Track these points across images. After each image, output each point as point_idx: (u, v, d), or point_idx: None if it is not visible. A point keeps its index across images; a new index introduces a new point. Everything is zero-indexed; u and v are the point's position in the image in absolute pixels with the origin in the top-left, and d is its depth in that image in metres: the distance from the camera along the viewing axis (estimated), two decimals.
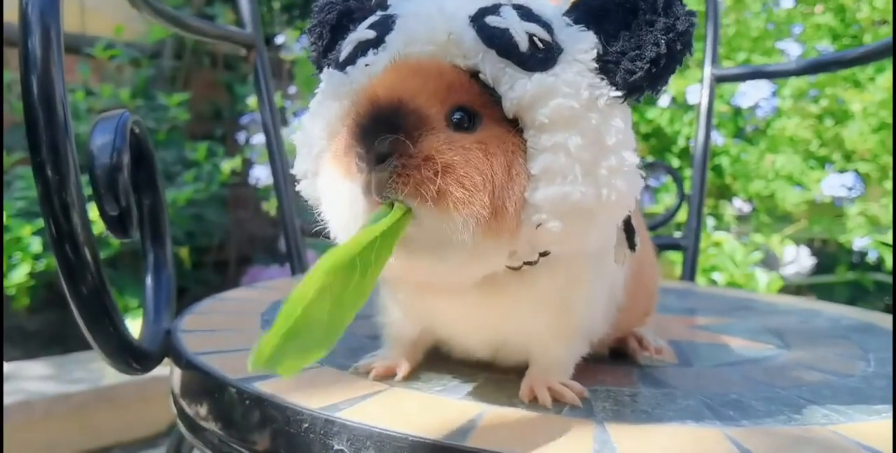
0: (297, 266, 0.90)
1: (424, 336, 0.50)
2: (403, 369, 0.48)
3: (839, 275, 2.25)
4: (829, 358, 0.60)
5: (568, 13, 0.41)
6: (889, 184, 1.95)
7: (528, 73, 0.38)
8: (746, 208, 2.08)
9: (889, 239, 1.92)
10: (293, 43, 2.36)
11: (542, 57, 0.38)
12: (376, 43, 0.42)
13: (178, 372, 0.53)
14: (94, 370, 1.68)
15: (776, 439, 0.40)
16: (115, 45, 2.14)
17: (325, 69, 0.47)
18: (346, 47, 0.43)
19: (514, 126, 0.39)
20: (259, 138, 2.19)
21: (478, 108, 0.39)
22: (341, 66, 0.43)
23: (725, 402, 0.47)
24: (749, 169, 2.01)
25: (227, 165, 2.20)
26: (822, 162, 2.03)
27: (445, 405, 0.44)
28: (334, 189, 0.40)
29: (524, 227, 0.39)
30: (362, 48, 0.42)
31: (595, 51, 0.39)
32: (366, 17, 0.46)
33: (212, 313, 0.66)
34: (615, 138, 0.39)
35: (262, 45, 0.93)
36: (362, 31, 0.43)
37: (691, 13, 0.38)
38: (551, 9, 0.41)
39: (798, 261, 2.22)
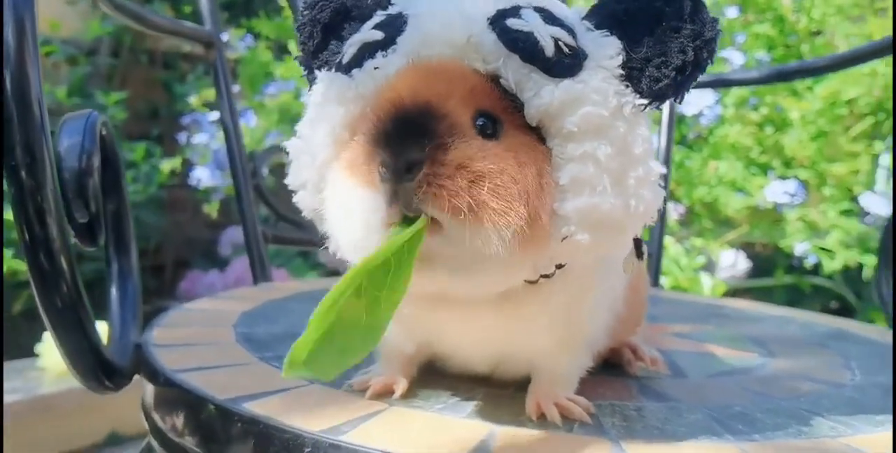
0: (261, 274, 0.86)
1: (420, 351, 0.48)
2: (401, 386, 0.46)
3: (777, 278, 2.32)
4: (815, 367, 0.60)
5: (588, 17, 0.39)
6: (827, 191, 2.02)
7: (554, 79, 0.37)
8: (682, 211, 2.12)
9: (826, 244, 1.98)
10: (237, 41, 2.29)
11: (568, 63, 0.37)
12: (385, 44, 0.39)
13: (153, 389, 0.50)
14: (31, 378, 1.60)
15: None
16: (52, 42, 2.05)
17: (322, 72, 0.44)
18: (350, 49, 0.40)
19: (536, 134, 0.38)
20: (200, 138, 2.13)
21: (499, 115, 0.37)
22: (345, 69, 0.40)
23: (731, 415, 0.46)
24: (692, 175, 2.05)
25: (167, 166, 2.12)
26: (764, 168, 2.08)
27: (452, 425, 0.42)
28: (348, 200, 0.37)
29: (551, 239, 0.37)
30: (369, 50, 0.40)
31: (620, 57, 0.38)
32: (364, 17, 0.44)
33: (181, 326, 0.62)
34: (642, 147, 0.38)
35: (221, 43, 0.89)
36: (368, 32, 0.40)
37: (716, 21, 0.37)
38: (571, 13, 0.40)
39: (735, 265, 2.28)
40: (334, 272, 2.30)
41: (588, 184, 0.36)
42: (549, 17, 0.38)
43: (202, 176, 2.03)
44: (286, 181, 0.44)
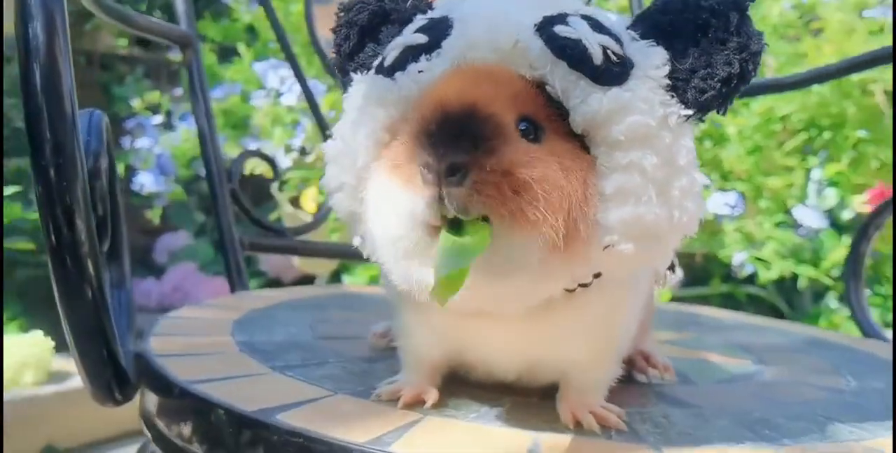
0: (238, 282, 0.84)
1: (448, 360, 0.47)
2: (432, 396, 0.45)
3: (713, 287, 2.39)
4: (808, 373, 0.62)
5: (633, 27, 0.40)
6: (763, 203, 2.09)
7: (602, 87, 0.37)
8: None
9: (762, 254, 2.05)
10: None
11: (616, 71, 0.37)
12: (429, 48, 0.39)
13: (163, 402, 0.48)
14: None
15: None
16: None
17: (359, 74, 0.43)
18: (392, 52, 0.40)
19: (579, 142, 0.38)
20: (143, 143, 2.06)
21: (542, 121, 0.37)
22: (388, 72, 0.40)
23: (755, 421, 0.47)
24: None
25: None
26: None
27: (493, 434, 0.41)
28: (389, 200, 0.36)
29: (590, 248, 0.37)
30: (413, 53, 0.39)
31: (667, 67, 0.38)
32: (403, 20, 0.43)
33: (176, 335, 0.60)
34: (686, 158, 0.38)
35: (197, 43, 0.86)
36: (412, 36, 0.40)
37: (762, 34, 0.38)
38: (617, 21, 0.40)
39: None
40: (275, 281, 2.26)
41: (633, 194, 0.36)
42: (596, 25, 0.38)
43: (145, 181, 1.97)
44: (322, 182, 0.43)
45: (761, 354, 0.68)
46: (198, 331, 0.62)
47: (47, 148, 0.39)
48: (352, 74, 0.44)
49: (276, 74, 1.61)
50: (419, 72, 0.38)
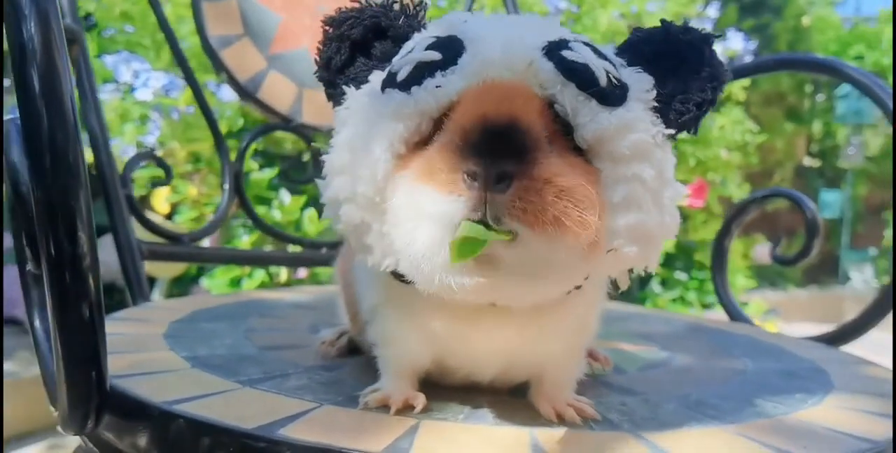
0: (139, 293, 0.79)
1: (428, 365, 0.49)
2: (421, 401, 0.47)
3: None
4: (710, 358, 0.70)
5: (620, 55, 0.44)
6: None
7: (608, 107, 0.40)
8: None
9: None
10: None
11: (618, 94, 0.41)
12: (444, 65, 0.41)
13: (141, 427, 0.46)
14: None
15: (777, 432, 0.47)
16: None
17: (353, 88, 0.44)
18: (406, 67, 0.41)
19: (582, 156, 0.41)
20: None
21: (550, 137, 0.40)
22: (403, 86, 0.41)
23: (695, 403, 0.53)
24: None
25: None
26: None
27: (494, 433, 0.44)
28: (425, 204, 0.38)
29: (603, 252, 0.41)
30: (428, 69, 0.41)
31: (654, 92, 0.42)
32: (398, 37, 0.45)
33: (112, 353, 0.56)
34: (670, 171, 0.43)
35: (84, 39, 0.81)
36: (426, 53, 0.41)
37: (725, 66, 0.44)
38: (607, 49, 0.44)
39: None
40: (110, 285, 2.13)
41: (636, 203, 0.41)
42: (597, 52, 0.42)
43: None
44: (327, 195, 0.43)
45: (661, 341, 0.76)
46: (129, 347, 0.59)
47: (48, 155, 0.36)
48: (343, 88, 0.45)
49: (129, 68, 1.51)
50: (437, 87, 0.40)
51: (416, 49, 0.42)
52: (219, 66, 0.93)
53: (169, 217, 1.68)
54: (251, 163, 1.75)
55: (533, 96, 0.40)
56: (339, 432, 0.42)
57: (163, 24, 0.90)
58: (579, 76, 0.40)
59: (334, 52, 0.44)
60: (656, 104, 0.42)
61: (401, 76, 0.41)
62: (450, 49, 0.41)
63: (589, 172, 0.40)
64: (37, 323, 0.52)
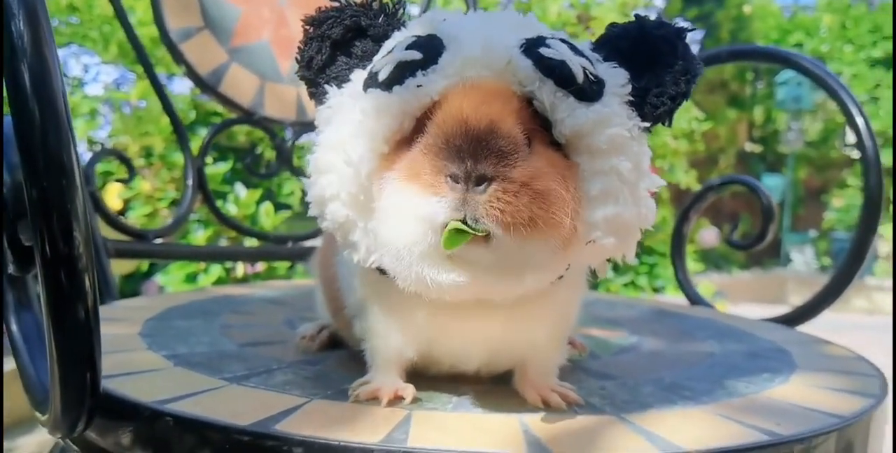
0: (107, 292, 0.78)
1: (416, 357, 0.50)
2: (410, 392, 0.48)
3: None
4: (678, 341, 0.72)
5: (596, 50, 0.45)
6: None
7: (585, 103, 0.42)
8: None
9: None
10: None
11: (595, 89, 0.42)
12: (424, 64, 0.41)
13: (132, 428, 0.45)
14: None
15: (750, 410, 0.49)
16: None
17: (335, 86, 0.45)
18: (386, 67, 0.42)
19: (560, 150, 0.43)
20: None
21: (530, 132, 0.42)
22: (385, 86, 0.41)
23: (670, 386, 0.55)
24: None
25: None
26: None
27: (484, 421, 0.45)
28: (409, 205, 0.39)
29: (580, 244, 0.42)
30: (409, 69, 0.41)
31: (629, 86, 0.44)
32: (378, 36, 0.45)
33: None
34: (646, 163, 0.44)
35: None
36: (406, 52, 0.42)
37: (699, 60, 0.45)
38: (584, 45, 0.45)
39: None
40: None
41: (613, 195, 0.42)
42: (573, 48, 0.43)
43: None
44: (313, 193, 0.44)
45: (629, 326, 0.78)
46: (107, 347, 0.57)
47: (41, 154, 0.36)
48: (325, 87, 0.45)
49: (79, 62, 1.47)
50: (418, 86, 0.40)
51: (396, 48, 0.42)
52: (178, 60, 0.91)
53: (122, 213, 1.65)
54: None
55: (512, 96, 0.41)
56: (334, 425, 0.43)
57: (121, 17, 0.88)
58: (557, 73, 0.41)
59: (315, 52, 0.45)
60: (632, 98, 0.44)
61: (382, 76, 0.42)
62: (430, 48, 0.42)
63: (567, 167, 0.42)
64: (14, 326, 0.52)
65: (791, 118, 5.75)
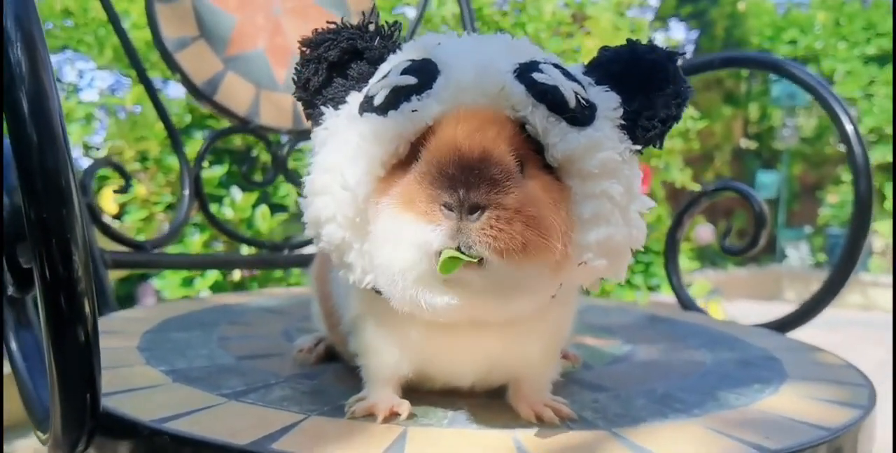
0: (103, 302, 0.79)
1: (411, 373, 0.51)
2: (405, 408, 0.48)
3: None
4: (671, 350, 0.73)
5: (588, 74, 0.46)
6: None
7: (577, 127, 0.42)
8: None
9: None
10: None
11: (587, 114, 0.43)
12: (419, 89, 0.42)
13: (128, 448, 0.46)
14: None
15: (740, 424, 0.50)
16: None
17: (331, 108, 0.45)
18: (382, 91, 0.42)
19: (552, 173, 0.43)
20: None
21: (523, 156, 0.42)
22: (381, 111, 0.42)
23: (661, 398, 0.56)
24: None
25: None
26: None
27: (478, 438, 0.46)
28: (405, 233, 0.40)
29: (572, 266, 0.43)
30: (404, 93, 0.42)
31: (621, 110, 0.45)
32: (374, 59, 0.46)
33: None
34: (637, 185, 0.45)
35: None
36: (401, 77, 0.42)
37: (688, 83, 0.46)
38: (575, 69, 0.46)
39: None
40: None
41: (605, 218, 0.43)
42: (566, 73, 0.44)
43: None
44: (309, 214, 0.44)
45: (622, 334, 0.79)
46: (106, 362, 0.57)
47: (40, 179, 0.37)
48: (321, 108, 0.46)
49: (73, 68, 1.47)
50: (413, 111, 0.41)
51: (391, 73, 0.43)
52: (174, 69, 0.92)
53: (118, 217, 1.65)
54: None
55: (505, 121, 0.42)
56: (331, 444, 0.44)
57: (114, 22, 0.88)
58: (549, 98, 0.42)
59: (312, 74, 0.45)
60: (623, 122, 0.45)
61: (378, 100, 0.42)
62: (425, 73, 0.42)
63: (560, 190, 0.43)
64: (13, 345, 0.52)
65: (786, 115, 5.76)
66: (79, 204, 0.39)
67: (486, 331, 0.46)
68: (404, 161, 0.42)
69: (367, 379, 0.51)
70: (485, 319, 0.43)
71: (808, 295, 0.87)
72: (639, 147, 0.45)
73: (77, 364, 0.40)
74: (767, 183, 5.84)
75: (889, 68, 5.32)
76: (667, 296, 3.03)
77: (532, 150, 0.43)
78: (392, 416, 0.48)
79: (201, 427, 0.45)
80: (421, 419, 0.49)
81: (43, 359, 0.52)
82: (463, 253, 0.39)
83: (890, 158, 5.22)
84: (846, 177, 5.55)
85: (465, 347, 0.48)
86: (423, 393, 0.53)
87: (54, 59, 1.52)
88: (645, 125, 0.45)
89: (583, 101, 0.43)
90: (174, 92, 1.58)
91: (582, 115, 0.43)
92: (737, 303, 4.24)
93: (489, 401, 0.53)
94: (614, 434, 0.47)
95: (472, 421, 0.49)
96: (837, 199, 5.61)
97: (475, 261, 0.39)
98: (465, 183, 0.38)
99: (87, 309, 0.39)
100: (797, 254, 5.85)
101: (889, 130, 5.31)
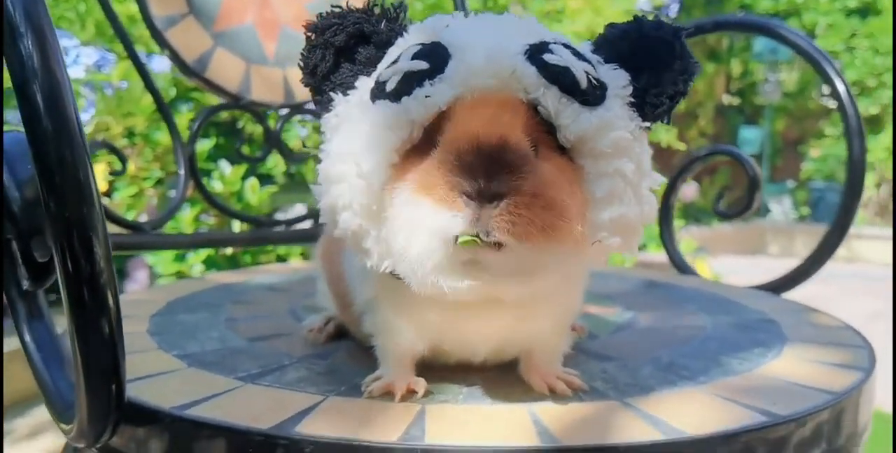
0: None
1: (426, 350, 0.52)
2: (422, 386, 0.49)
3: None
4: (672, 316, 0.74)
5: (596, 52, 0.46)
6: None
7: (588, 107, 0.43)
8: None
9: None
10: None
11: (598, 94, 0.43)
12: (431, 74, 0.42)
13: (153, 434, 0.47)
14: None
15: (747, 390, 0.51)
16: None
17: (340, 94, 0.45)
18: (394, 77, 0.42)
19: (565, 153, 0.44)
20: None
21: (536, 138, 0.43)
22: (394, 97, 0.42)
23: (666, 366, 0.57)
24: None
25: None
26: None
27: (494, 413, 0.47)
28: (425, 220, 0.40)
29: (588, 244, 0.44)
30: (416, 78, 0.42)
31: (630, 87, 0.45)
32: (381, 43, 0.45)
33: None
34: (648, 162, 0.46)
35: None
36: (413, 62, 0.42)
37: (695, 59, 0.46)
38: (583, 47, 0.46)
39: None
40: None
41: (618, 197, 0.43)
42: (576, 53, 0.44)
43: None
44: (325, 202, 0.45)
45: (622, 301, 0.80)
46: None
47: (58, 172, 0.37)
48: (330, 94, 0.46)
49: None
50: (426, 96, 0.41)
51: (402, 58, 0.43)
52: (164, 47, 0.90)
53: (107, 194, 1.64)
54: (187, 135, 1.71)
55: (518, 105, 0.42)
56: (351, 424, 0.45)
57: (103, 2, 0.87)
58: (561, 79, 0.42)
59: (319, 60, 0.45)
60: (632, 99, 0.45)
61: (390, 86, 0.42)
62: (436, 57, 0.42)
63: (573, 170, 0.43)
64: (27, 337, 0.53)
65: (768, 69, 5.76)
66: (97, 197, 0.39)
67: (501, 309, 0.47)
68: (418, 146, 0.42)
69: (382, 358, 0.52)
70: (502, 297, 0.44)
71: (792, 248, 0.88)
72: (647, 124, 0.45)
73: (102, 356, 0.40)
74: (751, 138, 5.87)
75: (870, 20, 5.31)
76: (654, 254, 3.07)
77: (544, 132, 0.43)
78: (409, 394, 0.49)
79: (223, 411, 0.46)
80: (437, 396, 0.50)
81: (58, 350, 0.53)
82: (482, 239, 0.39)
83: (873, 111, 5.25)
84: (829, 131, 5.58)
85: (480, 324, 0.49)
86: (436, 369, 0.54)
87: None
88: (653, 102, 0.45)
89: (594, 81, 0.43)
90: (159, 66, 1.55)
91: (593, 95, 0.43)
92: (722, 258, 4.30)
93: (502, 375, 0.54)
94: (626, 404, 0.48)
95: (486, 395, 0.50)
96: (820, 153, 5.65)
97: (494, 248, 0.40)
98: (485, 171, 0.38)
99: (111, 301, 0.39)
100: (780, 208, 5.91)
101: (871, 82, 5.33)
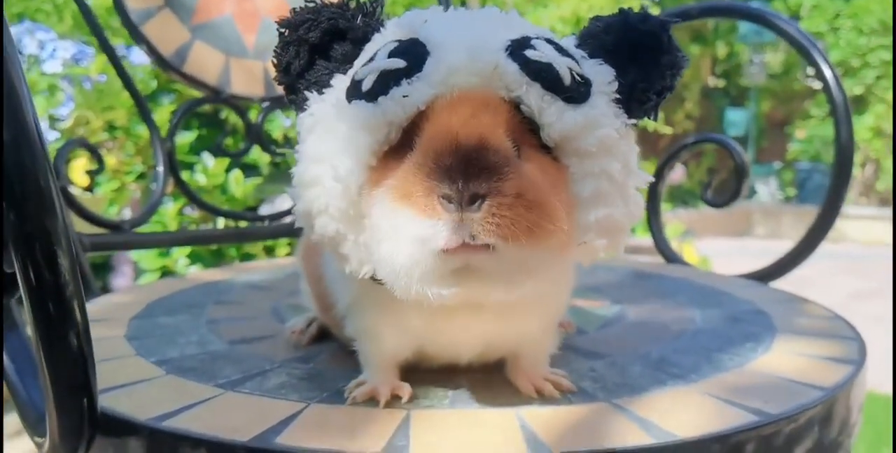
0: (85, 288, 0.77)
1: (410, 354, 0.51)
2: (406, 391, 0.48)
3: None
4: (661, 309, 0.73)
5: (581, 47, 0.44)
6: None
7: (573, 105, 0.41)
8: None
9: None
10: None
11: (582, 91, 0.42)
12: (408, 72, 0.40)
13: (129, 448, 0.46)
14: None
15: (738, 388, 0.51)
16: None
17: (315, 92, 0.43)
18: (370, 76, 0.40)
19: (549, 153, 0.42)
20: None
21: (519, 137, 0.41)
22: (370, 97, 0.40)
23: (656, 362, 0.56)
24: None
25: None
26: None
27: (481, 418, 0.46)
28: (405, 227, 0.38)
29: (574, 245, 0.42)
30: (394, 77, 0.40)
31: (616, 83, 0.43)
32: (357, 39, 0.44)
33: None
34: (634, 161, 0.44)
35: None
36: (390, 60, 0.40)
37: (683, 52, 0.45)
38: (567, 42, 0.44)
39: None
40: None
41: (604, 197, 0.42)
42: (559, 49, 0.42)
43: None
44: (300, 206, 0.43)
45: (610, 293, 0.79)
46: (95, 355, 0.57)
47: (17, 182, 0.35)
48: (305, 93, 0.44)
49: (34, 38, 1.41)
50: (404, 96, 0.39)
51: (378, 56, 0.41)
52: (140, 41, 0.88)
53: (89, 189, 1.61)
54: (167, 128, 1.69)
55: (499, 103, 0.40)
56: (334, 434, 0.43)
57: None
58: (544, 76, 0.40)
59: (293, 57, 0.43)
60: (618, 96, 0.43)
61: (366, 85, 0.40)
62: (413, 55, 0.40)
63: (557, 169, 0.41)
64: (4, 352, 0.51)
65: (753, 51, 5.75)
66: (60, 206, 0.37)
67: (486, 311, 0.46)
68: (396, 147, 0.41)
69: (365, 362, 0.51)
70: (490, 301, 0.43)
71: (779, 230, 0.88)
72: (634, 121, 0.44)
73: (71, 372, 0.39)
74: (736, 120, 5.87)
75: (854, 0, 5.30)
76: (641, 239, 3.07)
77: (528, 131, 0.41)
78: (393, 400, 0.48)
79: (202, 423, 0.45)
80: (422, 400, 0.49)
81: (32, 360, 0.51)
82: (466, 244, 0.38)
83: (857, 91, 5.26)
84: (815, 111, 5.59)
85: (465, 327, 0.47)
86: (420, 372, 0.53)
87: (13, 30, 1.46)
88: (640, 97, 0.44)
89: (577, 78, 0.41)
90: (138, 58, 1.52)
91: (577, 92, 0.41)
92: (709, 241, 4.31)
93: (488, 377, 0.53)
94: (615, 405, 0.47)
95: (473, 399, 0.49)
96: (806, 134, 5.66)
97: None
98: (464, 173, 0.37)
99: (78, 314, 0.38)
100: (767, 189, 5.93)
101: (855, 63, 5.33)
